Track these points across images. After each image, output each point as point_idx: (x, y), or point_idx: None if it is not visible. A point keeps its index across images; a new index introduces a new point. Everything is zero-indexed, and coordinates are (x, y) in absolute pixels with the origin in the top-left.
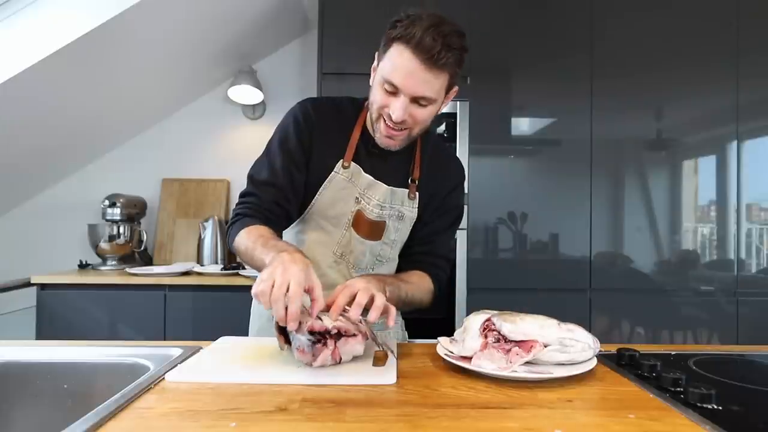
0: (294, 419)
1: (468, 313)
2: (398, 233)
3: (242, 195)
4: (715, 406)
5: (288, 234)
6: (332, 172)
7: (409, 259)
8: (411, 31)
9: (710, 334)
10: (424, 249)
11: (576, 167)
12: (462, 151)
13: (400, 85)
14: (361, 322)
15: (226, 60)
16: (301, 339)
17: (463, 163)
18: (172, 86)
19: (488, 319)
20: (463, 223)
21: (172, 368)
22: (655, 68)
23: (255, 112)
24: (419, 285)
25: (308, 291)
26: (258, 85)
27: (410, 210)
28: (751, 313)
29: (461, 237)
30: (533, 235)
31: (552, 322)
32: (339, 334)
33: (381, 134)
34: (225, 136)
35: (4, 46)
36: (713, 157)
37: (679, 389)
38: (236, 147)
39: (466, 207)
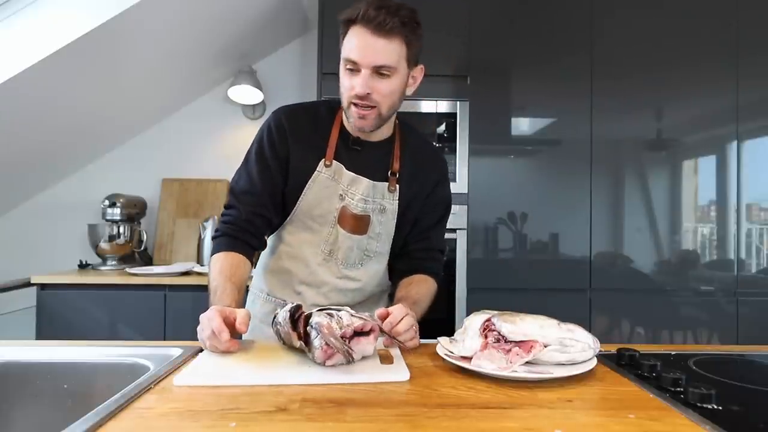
0: (294, 419)
1: (468, 313)
2: (382, 226)
3: (225, 207)
4: (715, 406)
5: (276, 236)
6: (315, 172)
7: (407, 257)
8: (356, 11)
9: (710, 334)
10: (421, 246)
11: (576, 167)
12: (462, 151)
13: (357, 58)
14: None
15: (226, 60)
16: (335, 343)
17: (444, 157)
18: (172, 86)
19: (488, 320)
20: (463, 223)
21: (172, 368)
22: (655, 68)
23: (255, 112)
24: (427, 296)
25: (231, 323)
26: (258, 85)
27: (391, 203)
28: (751, 313)
29: (461, 237)
30: (533, 235)
31: (552, 322)
32: (353, 335)
33: (354, 119)
34: (225, 136)
35: (4, 46)
36: (713, 157)
37: (679, 389)
38: (236, 147)
39: (466, 207)
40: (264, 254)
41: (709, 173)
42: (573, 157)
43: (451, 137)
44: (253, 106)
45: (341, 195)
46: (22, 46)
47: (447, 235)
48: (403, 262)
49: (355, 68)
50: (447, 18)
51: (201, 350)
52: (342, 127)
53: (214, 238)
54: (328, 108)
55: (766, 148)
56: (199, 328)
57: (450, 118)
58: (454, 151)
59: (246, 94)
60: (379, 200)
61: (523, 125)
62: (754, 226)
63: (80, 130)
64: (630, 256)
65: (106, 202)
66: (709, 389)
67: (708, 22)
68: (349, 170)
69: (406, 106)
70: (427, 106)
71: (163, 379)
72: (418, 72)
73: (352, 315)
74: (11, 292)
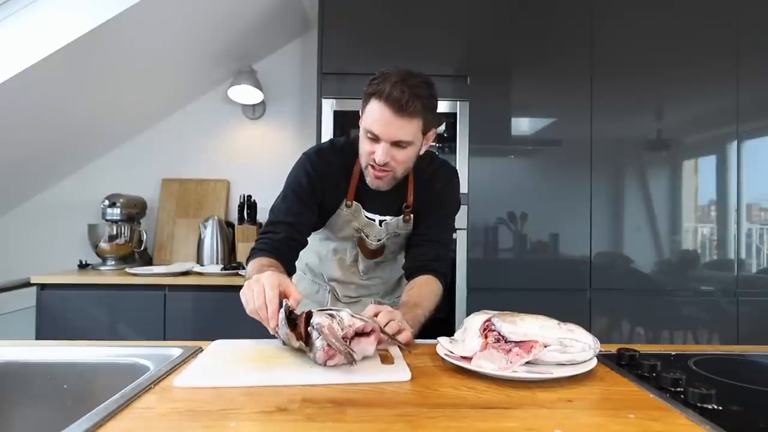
0: (294, 419)
1: (468, 313)
2: (396, 245)
3: (262, 232)
4: (715, 406)
5: (312, 239)
6: (338, 209)
7: (412, 257)
8: (382, 87)
9: (710, 334)
10: (425, 244)
11: (576, 167)
12: (462, 151)
13: (378, 133)
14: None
15: (226, 60)
16: (337, 345)
17: (453, 165)
18: (172, 86)
19: (488, 320)
20: (463, 223)
21: (172, 368)
22: (656, 68)
23: (255, 112)
24: (429, 297)
25: (285, 294)
26: (258, 85)
27: (405, 229)
28: (751, 313)
29: (461, 237)
30: (533, 235)
31: (552, 323)
32: (354, 336)
33: (371, 178)
34: (225, 136)
35: (3, 46)
36: (713, 157)
37: (679, 389)
38: (236, 147)
39: (466, 207)
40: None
41: (709, 173)
42: (573, 157)
43: (451, 137)
44: (253, 106)
45: (357, 229)
46: (21, 46)
47: None
48: (409, 260)
49: (375, 138)
50: (447, 18)
51: (201, 350)
52: (362, 172)
53: (248, 258)
54: (351, 148)
55: (766, 148)
56: (246, 291)
57: (450, 118)
58: (454, 151)
59: (246, 94)
60: (393, 230)
61: (523, 125)
62: (754, 226)
63: (80, 130)
64: (630, 256)
65: (106, 202)
66: (709, 389)
67: (708, 22)
68: (366, 209)
69: None
70: None
71: (163, 379)
72: (432, 134)
73: (352, 316)
74: (11, 292)
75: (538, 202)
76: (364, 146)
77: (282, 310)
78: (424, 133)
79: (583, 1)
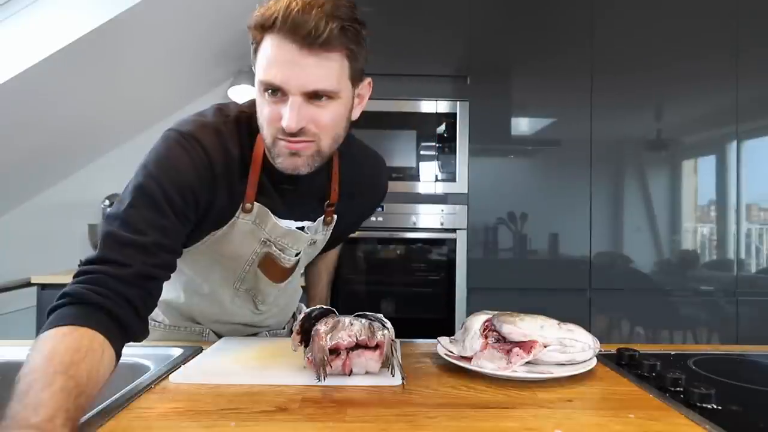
0: (294, 419)
1: (468, 313)
2: (308, 257)
3: (89, 261)
4: (715, 406)
5: (185, 260)
6: (231, 218)
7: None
8: (273, 12)
9: (710, 334)
10: (331, 249)
11: (576, 167)
12: (462, 151)
13: (281, 83)
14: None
15: (226, 60)
16: (316, 355)
17: (383, 162)
18: (172, 86)
19: (488, 320)
20: (463, 223)
21: (173, 368)
22: (656, 67)
23: None
24: (330, 274)
25: None
26: None
27: (323, 234)
28: (751, 313)
29: (461, 237)
30: (533, 235)
31: (552, 323)
32: (356, 346)
33: (283, 157)
34: None
35: (4, 46)
36: (713, 157)
37: (679, 389)
38: None
39: (466, 207)
40: None
41: (709, 173)
42: (573, 157)
43: (451, 137)
44: None
45: (265, 241)
46: (22, 47)
47: (447, 235)
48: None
49: (278, 94)
50: (447, 18)
51: (201, 350)
52: (264, 156)
53: (53, 309)
54: (249, 122)
55: (766, 148)
56: None
57: (450, 118)
58: (454, 151)
59: (246, 94)
60: (311, 238)
61: (523, 125)
62: (753, 226)
63: (80, 130)
64: (630, 256)
65: (106, 202)
66: (709, 389)
67: (708, 22)
68: (280, 217)
69: (406, 106)
70: (427, 106)
71: (163, 378)
72: (365, 89)
73: (368, 326)
74: (11, 292)
75: (538, 202)
76: (265, 111)
77: (302, 314)
78: (354, 80)
79: (583, 0)
